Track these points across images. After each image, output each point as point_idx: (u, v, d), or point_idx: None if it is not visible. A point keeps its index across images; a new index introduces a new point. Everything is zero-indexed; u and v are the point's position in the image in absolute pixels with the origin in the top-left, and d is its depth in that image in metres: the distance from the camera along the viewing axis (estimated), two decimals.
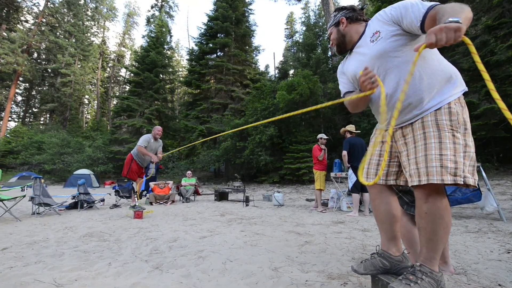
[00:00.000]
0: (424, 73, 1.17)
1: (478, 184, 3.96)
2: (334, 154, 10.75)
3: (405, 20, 1.16)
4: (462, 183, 1.06)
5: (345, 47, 1.47)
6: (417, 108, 1.19)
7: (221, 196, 7.73)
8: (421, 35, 1.18)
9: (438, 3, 1.08)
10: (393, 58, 1.22)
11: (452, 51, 9.20)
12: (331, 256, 2.03)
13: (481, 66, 0.90)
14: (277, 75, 22.73)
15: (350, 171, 4.64)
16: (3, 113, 26.73)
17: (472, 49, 0.92)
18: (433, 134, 1.12)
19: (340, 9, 1.48)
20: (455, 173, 1.06)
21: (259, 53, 21.06)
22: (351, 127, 4.91)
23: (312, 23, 19.66)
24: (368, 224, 3.51)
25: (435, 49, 1.21)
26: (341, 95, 1.58)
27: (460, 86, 1.19)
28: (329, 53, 16.76)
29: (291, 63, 19.65)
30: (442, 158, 1.07)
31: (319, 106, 1.53)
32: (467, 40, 0.91)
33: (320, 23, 18.69)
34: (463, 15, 0.94)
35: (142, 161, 4.79)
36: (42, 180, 4.86)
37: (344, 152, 4.62)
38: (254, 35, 19.63)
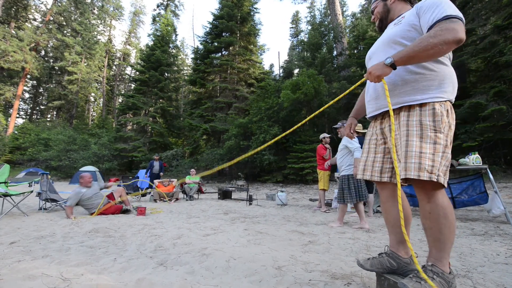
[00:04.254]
0: (418, 67, 1.21)
1: (485, 187, 3.91)
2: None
3: (423, 18, 1.19)
4: (436, 181, 1.11)
5: (386, 24, 1.46)
6: (400, 95, 1.24)
7: (225, 195, 7.76)
8: None
9: (449, 15, 1.09)
10: (396, 45, 1.26)
11: (460, 51, 9.07)
12: (334, 256, 2.03)
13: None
14: (281, 74, 22.67)
15: None
16: (11, 110, 27.19)
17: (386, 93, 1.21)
18: (416, 133, 1.17)
19: None
20: (431, 171, 1.11)
21: (264, 52, 21.09)
22: (358, 127, 4.87)
23: (317, 22, 19.55)
24: (372, 225, 3.49)
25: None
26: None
27: (449, 94, 1.20)
28: (334, 52, 16.66)
29: (296, 62, 19.59)
30: (421, 156, 1.13)
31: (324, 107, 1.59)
32: (386, 89, 1.21)
33: (326, 22, 18.58)
34: (411, 54, 1.09)
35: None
36: (49, 176, 4.93)
37: None
38: (259, 34, 19.59)
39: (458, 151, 7.60)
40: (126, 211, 4.46)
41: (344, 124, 3.88)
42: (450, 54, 1.25)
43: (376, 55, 1.39)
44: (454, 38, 1.04)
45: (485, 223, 3.53)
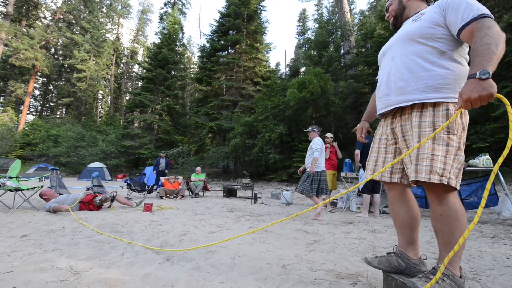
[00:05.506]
0: (433, 64, 1.17)
1: (495, 189, 3.84)
2: (344, 154, 10.61)
3: (452, 15, 1.14)
4: (446, 183, 1.09)
5: (401, 21, 1.44)
6: (414, 92, 1.20)
7: (230, 193, 7.79)
8: (455, 39, 1.16)
9: (485, 13, 1.06)
10: (413, 43, 1.23)
11: None
12: (340, 256, 2.02)
13: None
14: (288, 73, 22.58)
15: (361, 171, 4.58)
16: (22, 107, 27.80)
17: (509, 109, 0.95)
18: (428, 135, 1.14)
19: None
20: (442, 174, 1.10)
21: (270, 50, 20.93)
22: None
23: (325, 20, 19.37)
24: (378, 226, 3.47)
25: (462, 50, 1.20)
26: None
27: None
28: (342, 51, 16.49)
29: (302, 61, 19.43)
30: (433, 158, 1.11)
31: None
32: (505, 101, 0.96)
33: (333, 20, 18.38)
34: (495, 58, 0.96)
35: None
36: (58, 172, 5.03)
37: (357, 151, 4.55)
38: (265, 32, 19.51)
39: (468, 152, 7.45)
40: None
41: (314, 129, 4.33)
42: (467, 55, 1.22)
43: (392, 50, 1.35)
44: (504, 37, 1.02)
45: (495, 226, 3.46)
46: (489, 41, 0.98)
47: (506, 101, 0.98)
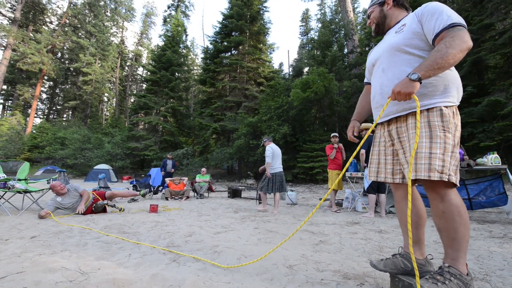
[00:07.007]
0: None
1: (504, 188, 3.77)
2: (349, 154, 10.54)
3: (426, 25, 1.20)
4: (447, 180, 1.11)
5: (383, 29, 1.49)
6: (408, 101, 1.24)
7: (234, 193, 7.80)
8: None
9: (454, 22, 1.12)
10: (400, 53, 1.28)
11: (478, 47, 8.75)
12: (346, 256, 2.01)
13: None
14: (291, 73, 22.55)
15: (367, 171, 4.54)
16: (30, 110, 28.29)
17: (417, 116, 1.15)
18: (424, 134, 1.17)
19: None
20: (442, 171, 1.11)
21: (273, 51, 20.94)
22: (368, 125, 4.78)
23: (328, 20, 19.30)
24: (385, 226, 3.43)
25: None
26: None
27: (455, 98, 1.22)
28: (345, 50, 16.41)
29: (305, 60, 19.38)
30: (431, 156, 1.13)
31: None
32: (417, 102, 1.15)
33: (336, 20, 18.32)
34: (434, 66, 1.07)
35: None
36: (66, 174, 5.09)
37: (362, 151, 4.51)
38: (268, 32, 19.54)
39: (475, 150, 7.35)
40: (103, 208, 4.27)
41: (265, 139, 4.99)
42: None
43: (380, 61, 1.40)
44: (467, 47, 1.09)
45: (504, 226, 3.40)
46: (440, 49, 1.08)
47: (417, 102, 1.14)
